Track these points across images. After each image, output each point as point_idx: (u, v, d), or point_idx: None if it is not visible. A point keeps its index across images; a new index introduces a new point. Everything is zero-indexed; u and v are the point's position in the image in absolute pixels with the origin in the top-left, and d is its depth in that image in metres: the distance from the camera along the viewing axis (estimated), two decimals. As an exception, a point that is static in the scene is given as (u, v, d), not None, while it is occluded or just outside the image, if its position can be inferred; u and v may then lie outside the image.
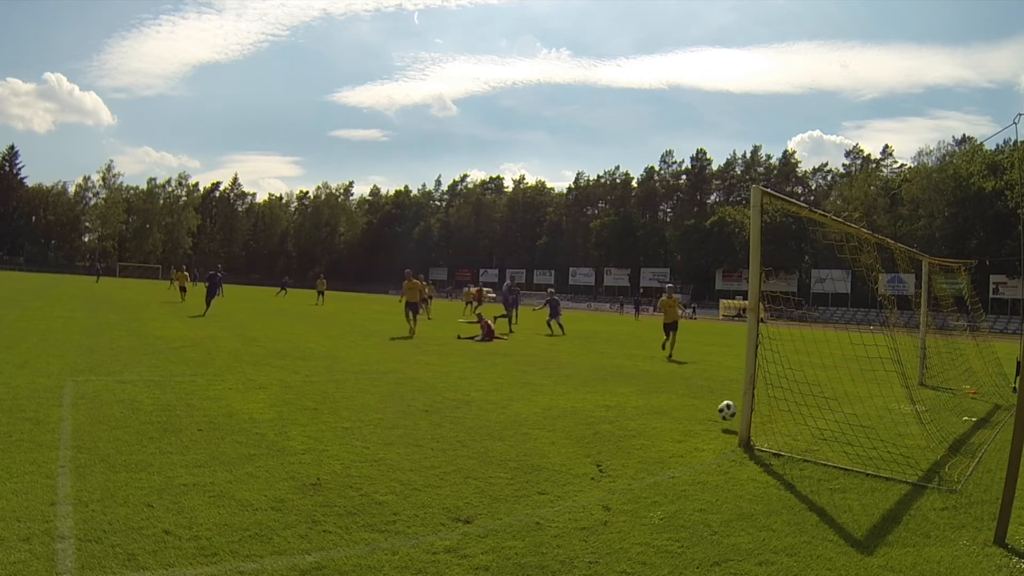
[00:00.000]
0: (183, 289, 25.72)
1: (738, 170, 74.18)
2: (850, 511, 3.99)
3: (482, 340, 14.74)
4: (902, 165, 64.64)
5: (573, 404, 7.24)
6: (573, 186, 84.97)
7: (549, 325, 19.29)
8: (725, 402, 6.64)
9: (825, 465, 5.08)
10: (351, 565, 2.87)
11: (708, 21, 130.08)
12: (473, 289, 29.14)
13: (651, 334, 23.64)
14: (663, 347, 13.78)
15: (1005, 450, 4.08)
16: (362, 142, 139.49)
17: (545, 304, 20.14)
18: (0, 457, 4.01)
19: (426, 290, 22.36)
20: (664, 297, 14.39)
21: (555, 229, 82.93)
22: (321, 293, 33.16)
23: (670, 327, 13.68)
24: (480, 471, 4.40)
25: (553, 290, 22.23)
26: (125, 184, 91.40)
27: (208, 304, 19.25)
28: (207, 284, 20.22)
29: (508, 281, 22.02)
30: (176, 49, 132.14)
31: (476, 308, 23.96)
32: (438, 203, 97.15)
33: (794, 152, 73.17)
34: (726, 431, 6.17)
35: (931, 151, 59.64)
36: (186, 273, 27.43)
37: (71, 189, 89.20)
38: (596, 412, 6.83)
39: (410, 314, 15.38)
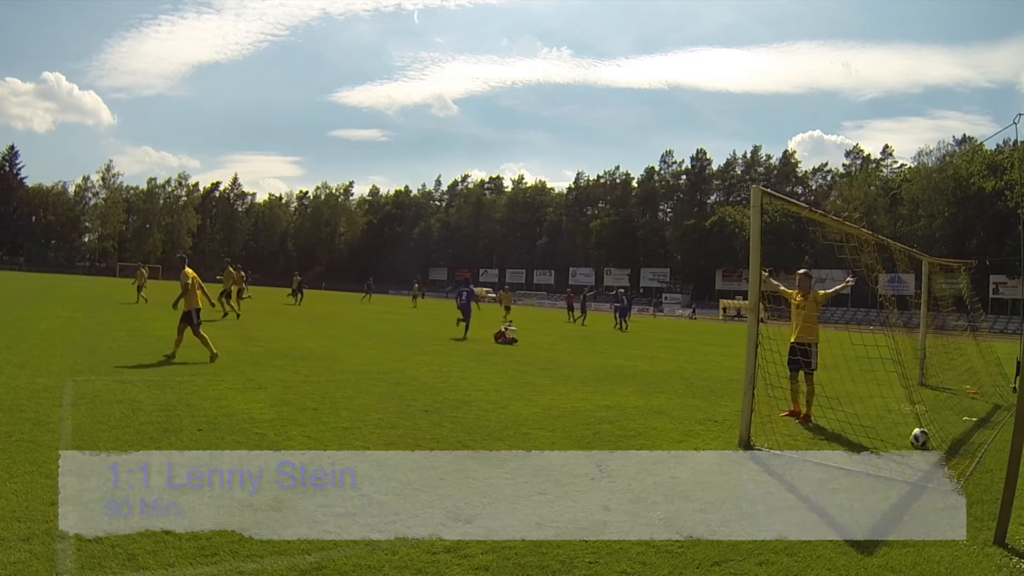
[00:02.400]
0: (140, 288, 23.35)
1: (738, 170, 74.18)
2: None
3: (502, 343, 14.74)
4: (902, 165, 64.69)
5: (573, 404, 7.24)
6: (573, 186, 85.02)
7: (624, 325, 24.33)
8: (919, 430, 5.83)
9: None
10: (351, 565, 2.87)
11: (708, 21, 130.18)
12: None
13: (650, 334, 23.64)
14: (793, 400, 6.88)
15: (1005, 450, 4.08)
16: (362, 142, 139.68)
17: (614, 306, 25.33)
18: (0, 457, 4.01)
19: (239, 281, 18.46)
20: (796, 292, 7.09)
21: (555, 229, 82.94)
22: (296, 292, 31.10)
23: (801, 353, 6.68)
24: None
25: (623, 291, 27.57)
26: (125, 184, 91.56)
27: (466, 325, 15.45)
28: (458, 301, 16.01)
29: (620, 291, 27.61)
30: (176, 49, 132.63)
31: (508, 316, 23.76)
32: (438, 203, 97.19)
33: (794, 152, 73.32)
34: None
35: (931, 151, 59.65)
36: (145, 271, 25.15)
37: (71, 189, 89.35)
38: (596, 412, 6.83)
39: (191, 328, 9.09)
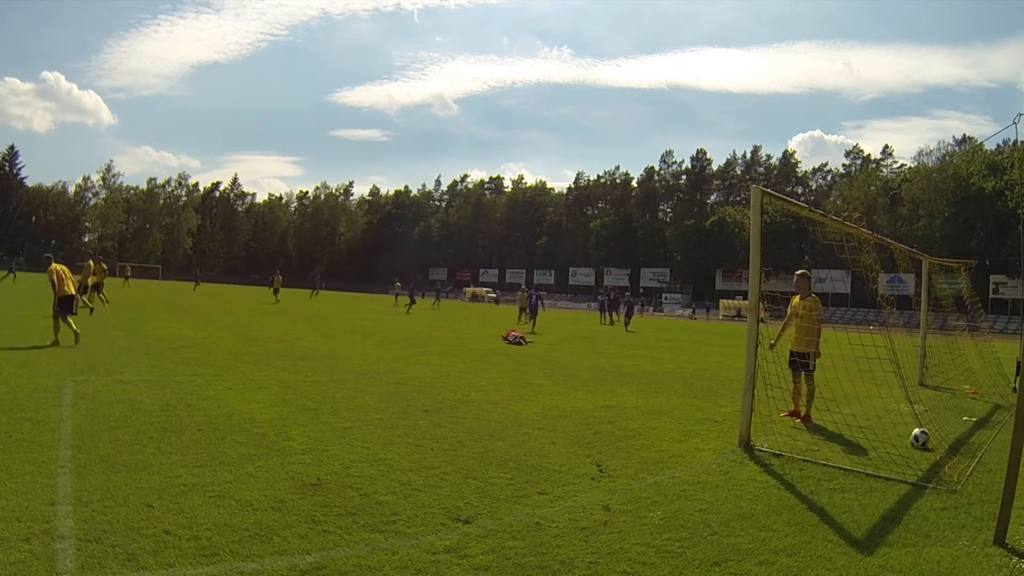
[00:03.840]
0: (86, 288, 21.24)
1: (738, 170, 74.13)
2: (850, 511, 3.99)
3: (512, 343, 14.75)
4: (902, 165, 64.65)
5: (573, 404, 7.24)
6: (573, 186, 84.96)
7: (625, 324, 24.85)
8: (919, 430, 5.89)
9: (825, 465, 5.08)
10: (351, 565, 2.87)
11: (708, 21, 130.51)
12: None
13: (650, 334, 23.63)
14: (794, 401, 6.93)
15: (1005, 450, 4.08)
16: (362, 142, 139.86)
17: (623, 306, 25.73)
18: (0, 457, 4.01)
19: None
20: (796, 297, 7.10)
21: (555, 229, 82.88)
22: (276, 291, 31.26)
23: (799, 360, 6.77)
24: (480, 471, 4.40)
25: (629, 294, 29.20)
26: (125, 184, 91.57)
27: (534, 321, 20.84)
28: (528, 302, 22.24)
29: (609, 293, 28.00)
30: (175, 49, 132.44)
31: (524, 315, 24.24)
32: (438, 203, 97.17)
33: (794, 152, 73.22)
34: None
35: (931, 151, 59.59)
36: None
37: (71, 189, 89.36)
38: (596, 412, 6.83)
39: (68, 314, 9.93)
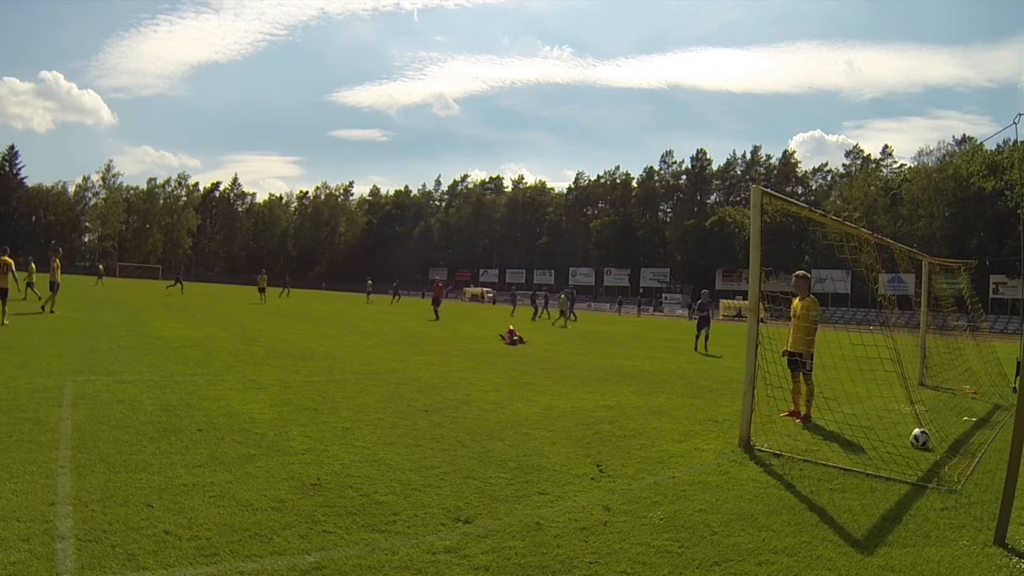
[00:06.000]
0: (263, 291, 20.27)
1: (738, 170, 74.16)
2: (850, 511, 3.99)
3: (510, 343, 14.73)
4: (902, 165, 64.74)
5: (573, 404, 7.24)
6: (573, 186, 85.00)
7: (698, 338, 16.76)
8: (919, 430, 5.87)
9: (825, 465, 5.08)
10: (351, 565, 2.87)
11: (708, 21, 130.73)
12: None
13: (650, 334, 23.63)
14: (794, 400, 6.90)
15: (1005, 450, 4.08)
16: (362, 142, 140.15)
17: (697, 312, 18.01)
18: (0, 457, 4.01)
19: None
20: (796, 298, 7.07)
21: (555, 229, 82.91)
22: (262, 290, 30.45)
23: (797, 359, 6.78)
24: (480, 471, 4.40)
25: (707, 293, 18.62)
26: (125, 184, 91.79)
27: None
28: (697, 314, 19.63)
29: (702, 299, 17.53)
30: (174, 49, 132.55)
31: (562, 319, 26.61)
32: (438, 203, 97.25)
33: (794, 152, 73.32)
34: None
35: (931, 151, 59.71)
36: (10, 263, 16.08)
37: (71, 189, 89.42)
38: (596, 412, 6.83)
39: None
